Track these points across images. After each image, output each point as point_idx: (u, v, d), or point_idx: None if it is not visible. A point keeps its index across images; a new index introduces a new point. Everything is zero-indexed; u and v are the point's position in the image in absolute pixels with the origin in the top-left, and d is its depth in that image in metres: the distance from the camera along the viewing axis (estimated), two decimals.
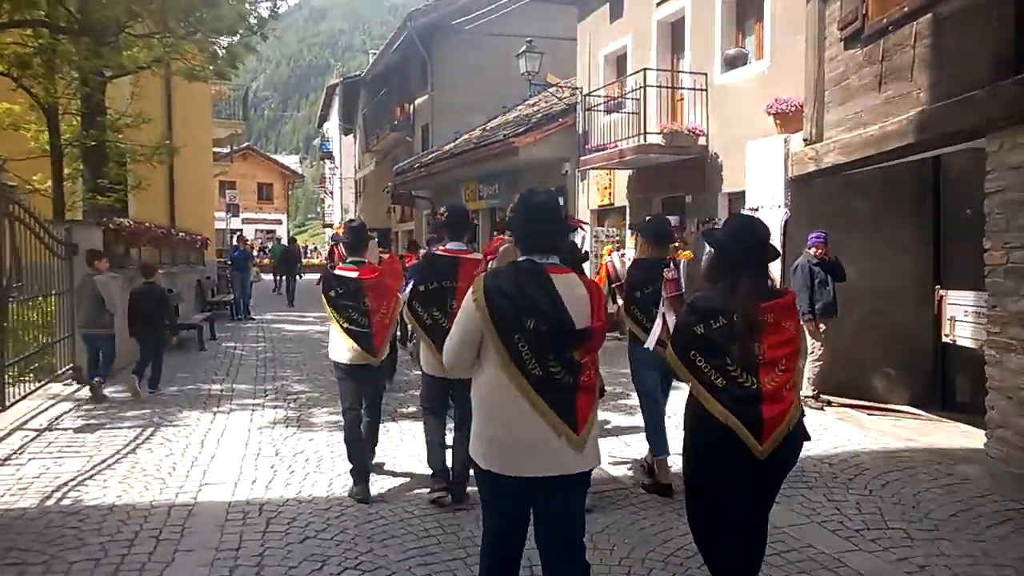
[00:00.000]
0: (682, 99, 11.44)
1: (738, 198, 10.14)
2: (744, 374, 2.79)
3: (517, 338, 2.58)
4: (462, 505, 4.66)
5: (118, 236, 9.31)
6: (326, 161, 46.70)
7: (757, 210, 8.66)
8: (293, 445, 6.22)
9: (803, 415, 2.99)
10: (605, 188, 13.24)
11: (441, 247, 4.79)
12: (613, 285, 5.15)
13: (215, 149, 33.04)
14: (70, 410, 7.29)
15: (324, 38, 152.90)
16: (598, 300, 2.72)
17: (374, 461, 5.35)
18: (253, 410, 7.45)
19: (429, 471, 4.86)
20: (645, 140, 10.47)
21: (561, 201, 14.79)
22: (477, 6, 19.11)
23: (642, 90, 10.57)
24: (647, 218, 5.89)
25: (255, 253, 25.95)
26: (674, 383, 4.81)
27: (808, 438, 3.04)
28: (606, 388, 5.42)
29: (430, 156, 19.45)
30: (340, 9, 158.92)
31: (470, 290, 2.71)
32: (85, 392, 8.08)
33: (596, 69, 13.67)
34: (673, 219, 10.73)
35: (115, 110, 13.49)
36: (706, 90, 10.52)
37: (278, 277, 22.63)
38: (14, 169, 12.40)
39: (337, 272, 5.07)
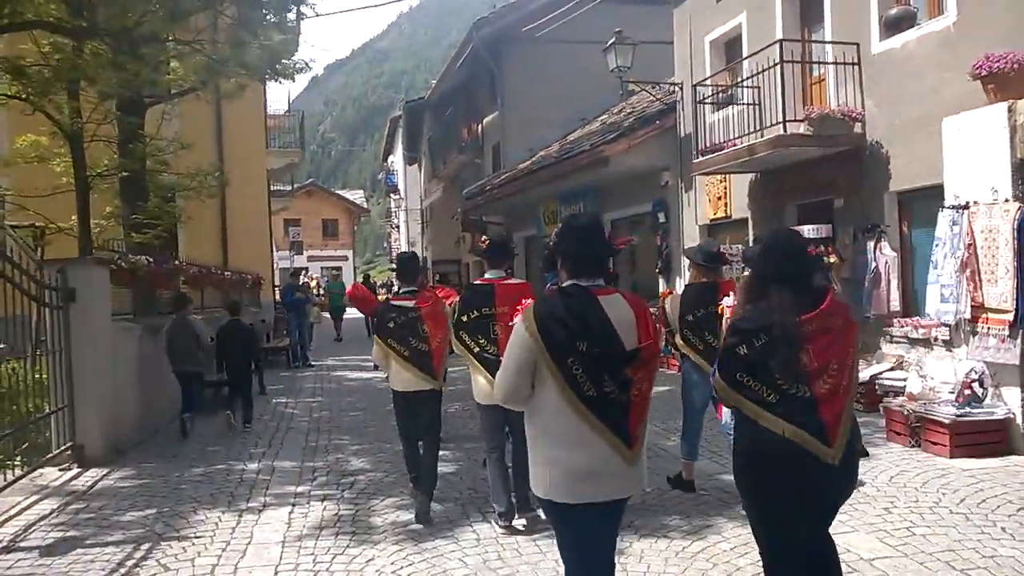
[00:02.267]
0: (821, 80, 9.16)
1: (916, 197, 7.76)
2: (796, 384, 2.69)
3: (571, 362, 2.60)
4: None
5: (134, 277, 7.57)
6: (392, 195, 45.59)
7: (967, 207, 6.30)
8: (344, 572, 4.18)
9: (857, 427, 2.85)
10: (719, 198, 10.98)
11: (480, 277, 4.99)
12: (665, 331, 5.29)
13: (276, 187, 32.27)
14: (51, 513, 5.42)
15: (387, 79, 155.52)
16: (644, 319, 2.74)
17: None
18: (294, 505, 5.44)
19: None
20: (785, 130, 8.20)
21: (662, 218, 12.61)
22: (546, 11, 17.25)
23: (777, 67, 8.32)
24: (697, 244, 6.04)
25: (316, 292, 23.80)
26: None
27: (866, 454, 3.26)
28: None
29: (502, 177, 17.55)
30: (401, 51, 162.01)
31: (519, 319, 2.75)
32: (83, 481, 6.27)
33: (700, 58, 11.50)
34: (815, 228, 8.44)
35: (151, 135, 12.02)
36: (858, 64, 8.22)
37: (337, 321, 19.75)
38: (38, 206, 11.07)
39: (393, 303, 5.22)
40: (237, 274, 13.99)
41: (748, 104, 9.68)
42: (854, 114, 7.96)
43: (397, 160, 41.40)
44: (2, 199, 12.50)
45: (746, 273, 3.20)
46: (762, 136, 9.05)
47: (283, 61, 12.29)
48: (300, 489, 5.86)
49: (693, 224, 11.79)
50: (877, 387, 7.32)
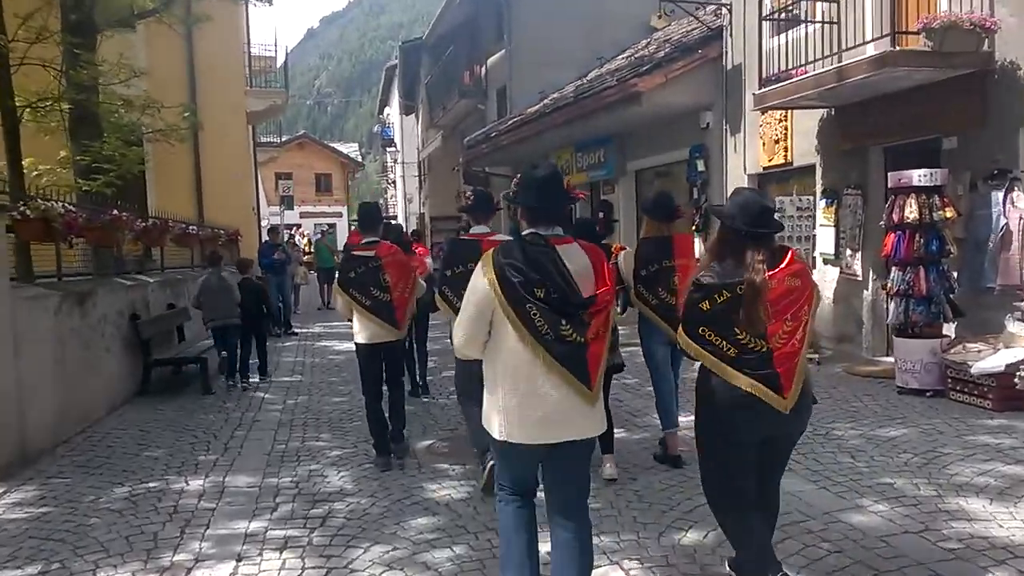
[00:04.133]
0: None
1: None
2: (753, 340, 2.82)
3: (529, 307, 2.66)
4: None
5: (46, 228, 5.78)
6: (387, 149, 43.40)
7: None
8: None
9: (808, 386, 3.00)
10: (777, 141, 9.17)
11: (465, 232, 5.11)
12: (617, 288, 4.81)
13: (266, 139, 30.15)
14: None
15: (384, 32, 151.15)
16: (600, 266, 2.80)
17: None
18: (239, 559, 3.76)
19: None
20: (894, 45, 6.37)
21: (701, 166, 10.77)
22: None
23: None
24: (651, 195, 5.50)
25: (305, 250, 21.44)
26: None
27: (815, 401, 3.08)
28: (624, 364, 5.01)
29: (510, 121, 15.65)
30: (399, 3, 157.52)
31: (479, 267, 2.77)
32: None
33: None
34: (928, 173, 6.59)
35: (104, 61, 10.18)
36: None
37: (324, 286, 16.66)
38: None
39: (355, 253, 5.20)
40: (208, 229, 12.19)
41: (823, 22, 7.88)
42: (988, 24, 6.12)
43: (393, 112, 39.24)
44: None
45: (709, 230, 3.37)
46: (839, 60, 7.29)
47: None
48: (253, 527, 4.17)
49: (740, 173, 10.00)
50: (1017, 380, 5.63)
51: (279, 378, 8.74)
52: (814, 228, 8.08)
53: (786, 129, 9.02)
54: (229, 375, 8.10)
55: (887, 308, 7.84)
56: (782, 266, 2.82)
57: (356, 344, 5.19)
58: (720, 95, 10.30)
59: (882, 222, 6.78)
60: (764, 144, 9.42)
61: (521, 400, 2.67)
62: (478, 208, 4.87)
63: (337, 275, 5.23)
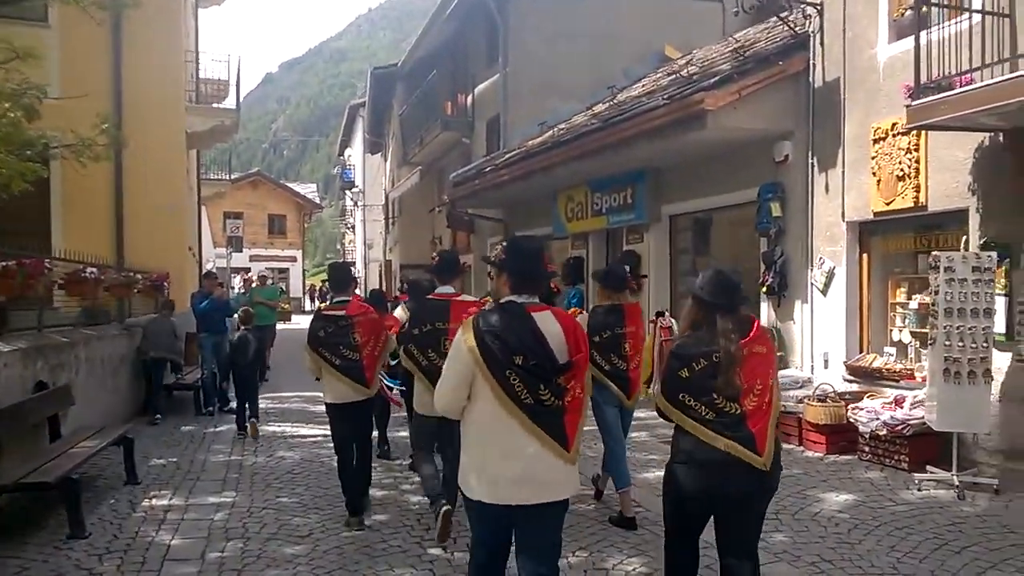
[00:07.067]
0: None
1: None
2: (728, 403, 3.02)
3: (508, 373, 2.78)
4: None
5: None
6: (347, 192, 40.63)
7: None
8: None
9: (779, 445, 3.16)
10: (901, 178, 6.82)
11: (433, 292, 5.07)
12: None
13: (217, 176, 27.25)
14: None
15: (344, 79, 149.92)
16: (573, 334, 2.92)
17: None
18: None
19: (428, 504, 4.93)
20: None
21: (776, 211, 8.04)
22: None
23: None
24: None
25: (242, 292, 16.45)
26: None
27: (780, 468, 3.14)
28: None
29: (508, 155, 13.19)
30: (360, 52, 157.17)
31: (460, 332, 2.91)
32: None
33: None
34: None
35: None
36: None
37: (263, 346, 11.92)
38: None
39: (325, 312, 5.37)
40: (122, 273, 9.29)
41: (996, 14, 5.73)
42: None
43: (356, 153, 36.73)
44: None
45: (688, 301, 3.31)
46: (1012, 67, 5.11)
47: None
48: None
49: (835, 219, 7.64)
50: None
51: (200, 498, 5.83)
52: (993, 299, 5.64)
53: (918, 162, 6.69)
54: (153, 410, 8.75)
55: None
56: (751, 335, 3.07)
57: (326, 404, 5.30)
58: (804, 120, 8.00)
59: None
60: (880, 182, 7.06)
61: (498, 460, 2.79)
62: (444, 270, 5.02)
63: (307, 335, 5.24)
